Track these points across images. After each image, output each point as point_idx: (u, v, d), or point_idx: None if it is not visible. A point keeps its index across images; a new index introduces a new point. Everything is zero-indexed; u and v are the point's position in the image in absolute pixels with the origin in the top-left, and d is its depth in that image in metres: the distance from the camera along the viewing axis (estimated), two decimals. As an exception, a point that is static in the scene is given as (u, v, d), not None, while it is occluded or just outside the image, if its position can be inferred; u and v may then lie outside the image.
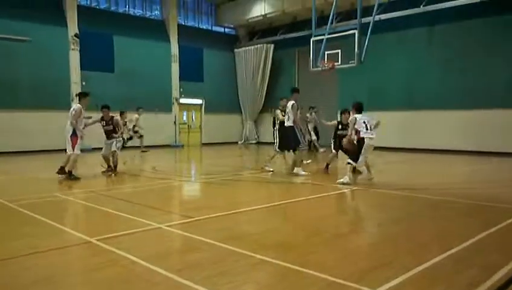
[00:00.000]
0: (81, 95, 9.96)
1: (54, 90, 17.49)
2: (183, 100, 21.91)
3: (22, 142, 16.40)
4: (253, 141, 23.49)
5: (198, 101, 22.58)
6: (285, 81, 22.49)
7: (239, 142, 23.59)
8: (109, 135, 10.52)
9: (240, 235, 4.87)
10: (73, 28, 18.02)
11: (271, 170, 10.54)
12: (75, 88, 17.99)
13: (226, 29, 24.84)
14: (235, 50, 23.97)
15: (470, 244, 4.38)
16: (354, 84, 17.87)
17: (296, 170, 9.82)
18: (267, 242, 4.58)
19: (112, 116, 10.60)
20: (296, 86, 22.19)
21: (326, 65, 14.77)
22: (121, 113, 13.75)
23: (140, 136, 16.96)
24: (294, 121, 9.78)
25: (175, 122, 21.57)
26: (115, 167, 10.20)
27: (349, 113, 9.56)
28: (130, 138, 15.94)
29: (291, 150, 10.22)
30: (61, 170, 9.32)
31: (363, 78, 17.50)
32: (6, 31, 16.06)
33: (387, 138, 13.65)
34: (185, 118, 22.48)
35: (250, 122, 23.73)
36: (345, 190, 7.97)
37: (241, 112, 24.10)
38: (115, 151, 10.21)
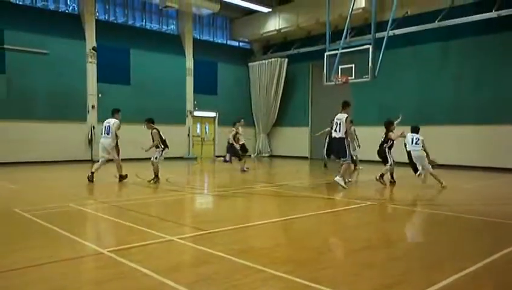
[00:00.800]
0: (117, 111, 11.42)
1: (71, 102, 17.83)
2: (197, 113, 22.10)
3: (39, 152, 16.67)
4: (266, 155, 23.49)
5: (212, 114, 22.73)
6: (299, 95, 22.55)
7: (252, 155, 23.60)
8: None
9: (251, 249, 4.85)
10: (91, 41, 18.40)
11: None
12: (92, 100, 18.33)
13: (240, 44, 25.08)
14: (249, 64, 24.16)
15: (484, 263, 4.29)
16: (368, 98, 17.84)
17: (339, 179, 9.85)
18: (278, 257, 4.55)
19: (152, 129, 11.59)
20: (310, 99, 22.28)
21: (340, 79, 14.75)
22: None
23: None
24: (345, 133, 9.97)
25: (188, 135, 21.73)
26: (156, 175, 11.19)
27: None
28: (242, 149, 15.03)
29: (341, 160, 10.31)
30: (121, 177, 11.09)
31: (376, 92, 17.48)
32: (26, 43, 16.51)
33: (401, 153, 13.52)
34: (198, 130, 22.63)
35: (263, 135, 23.77)
36: (359, 205, 7.90)
37: (255, 125, 24.17)
38: (153, 160, 11.33)
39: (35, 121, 16.75)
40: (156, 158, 11.35)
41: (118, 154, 11.24)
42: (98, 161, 11.18)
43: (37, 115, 16.83)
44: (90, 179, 10.66)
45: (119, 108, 11.71)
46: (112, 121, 11.07)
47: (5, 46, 16.20)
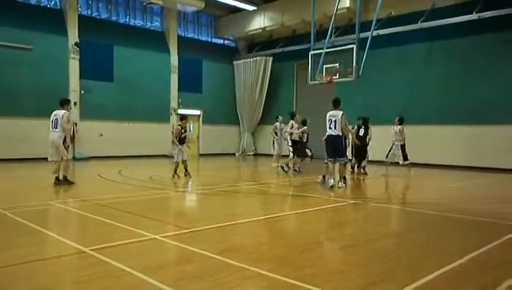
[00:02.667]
0: (67, 102, 10.56)
1: (54, 99, 17.43)
2: (181, 111, 21.93)
3: (23, 149, 16.34)
4: (251, 153, 23.49)
5: (197, 112, 22.61)
6: (284, 93, 22.60)
7: (236, 154, 23.59)
8: (182, 141, 12.08)
9: (236, 247, 4.84)
10: (73, 37, 18.11)
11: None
12: (74, 96, 18.03)
13: (225, 41, 25.01)
14: (234, 62, 24.11)
15: (467, 260, 4.37)
16: (352, 97, 17.95)
17: (342, 184, 9.98)
18: (262, 255, 4.56)
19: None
20: (295, 98, 22.35)
21: (324, 79, 14.84)
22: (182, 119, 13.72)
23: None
24: (342, 131, 10.01)
25: (172, 132, 21.54)
26: (186, 169, 12.07)
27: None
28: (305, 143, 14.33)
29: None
30: (58, 180, 9.65)
31: (361, 92, 17.63)
32: (10, 39, 16.18)
33: (384, 152, 13.68)
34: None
35: (248, 134, 23.76)
36: (343, 203, 7.95)
37: (239, 124, 24.15)
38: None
39: (19, 117, 16.41)
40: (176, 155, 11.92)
41: (67, 151, 10.04)
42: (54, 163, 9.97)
43: (20, 112, 16.49)
44: (57, 182, 9.78)
45: (69, 98, 11.23)
46: (60, 113, 9.83)
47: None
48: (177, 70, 21.69)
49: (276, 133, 15.24)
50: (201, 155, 22.36)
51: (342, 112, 9.72)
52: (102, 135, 18.55)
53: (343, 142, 9.99)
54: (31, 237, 5.14)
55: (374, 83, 17.56)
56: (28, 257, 4.26)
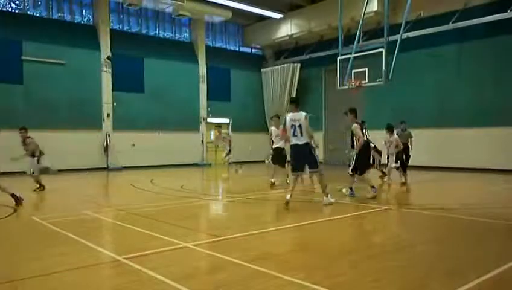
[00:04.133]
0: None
1: (87, 111, 18.07)
2: (210, 119, 22.19)
3: (57, 161, 16.86)
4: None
5: (226, 120, 22.80)
6: (312, 99, 22.48)
7: (266, 161, 23.54)
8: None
9: (267, 255, 4.82)
10: (106, 51, 18.67)
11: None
12: (107, 108, 18.57)
13: (252, 50, 25.18)
14: (262, 70, 24.22)
15: (508, 268, 4.18)
16: (382, 102, 17.71)
17: (327, 200, 8.35)
18: (293, 263, 4.52)
19: None
20: (323, 104, 22.20)
21: (353, 84, 14.70)
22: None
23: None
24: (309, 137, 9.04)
25: (202, 141, 21.82)
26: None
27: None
28: None
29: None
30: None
31: (390, 96, 17.34)
32: (46, 54, 16.87)
33: (417, 156, 13.36)
34: (212, 137, 22.69)
35: (277, 141, 23.70)
36: (374, 210, 7.81)
37: (268, 131, 24.14)
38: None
39: (53, 130, 16.98)
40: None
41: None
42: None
43: (55, 125, 17.07)
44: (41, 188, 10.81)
45: None
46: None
47: (23, 58, 16.56)
48: (205, 80, 21.99)
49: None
50: (230, 163, 22.44)
51: (304, 114, 8.20)
52: (134, 145, 18.94)
53: (312, 150, 8.51)
54: (67, 245, 5.29)
55: (403, 86, 17.23)
56: (64, 265, 4.38)
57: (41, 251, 5.08)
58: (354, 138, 9.24)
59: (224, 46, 24.06)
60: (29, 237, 5.94)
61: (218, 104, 22.34)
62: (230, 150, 15.26)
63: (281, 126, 8.50)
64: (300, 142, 7.99)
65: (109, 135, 18.46)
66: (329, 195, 8.24)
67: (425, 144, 15.84)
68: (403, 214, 7.67)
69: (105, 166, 18.30)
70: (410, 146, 12.69)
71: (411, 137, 12.80)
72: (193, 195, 10.40)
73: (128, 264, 4.38)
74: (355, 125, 9.04)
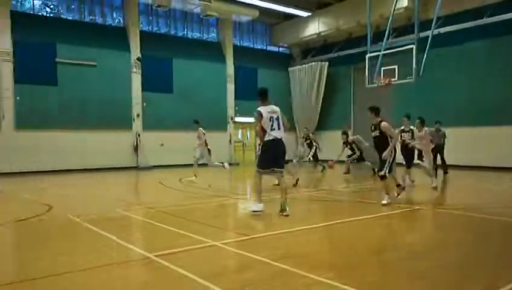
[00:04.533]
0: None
1: (117, 111, 18.48)
2: (238, 119, 22.30)
3: (88, 160, 17.36)
4: (307, 160, 23.27)
5: (253, 120, 22.81)
6: (341, 98, 22.27)
7: (294, 161, 23.47)
8: None
9: (295, 254, 4.80)
10: (135, 52, 19.05)
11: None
12: (137, 109, 18.95)
13: (280, 49, 25.13)
14: (289, 69, 24.14)
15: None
16: (411, 99, 17.32)
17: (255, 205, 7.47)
18: (322, 262, 4.49)
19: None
20: (352, 102, 21.94)
21: (382, 81, 14.45)
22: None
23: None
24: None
25: (230, 141, 21.95)
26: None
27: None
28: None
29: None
30: None
31: (419, 93, 16.96)
32: (76, 56, 17.35)
33: (448, 155, 13.03)
34: (239, 136, 22.82)
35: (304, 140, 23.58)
36: (406, 210, 7.66)
37: (296, 130, 24.07)
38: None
39: (85, 130, 17.47)
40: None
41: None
42: None
43: (86, 125, 17.55)
44: None
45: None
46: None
47: (58, 60, 17.09)
48: (233, 80, 22.11)
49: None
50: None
51: (278, 109, 7.58)
52: (162, 144, 19.22)
53: None
54: (98, 243, 5.43)
55: (433, 83, 16.81)
56: (94, 262, 4.50)
57: (74, 248, 5.25)
58: (388, 139, 8.02)
59: (252, 46, 24.12)
60: (63, 234, 6.13)
61: (245, 103, 22.39)
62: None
63: (256, 119, 7.36)
64: (280, 137, 7.27)
65: (139, 135, 18.82)
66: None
67: (457, 142, 15.40)
68: (435, 214, 7.49)
69: (135, 165, 18.67)
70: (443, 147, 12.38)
71: (445, 137, 12.47)
72: (221, 194, 10.48)
73: (157, 261, 4.46)
74: (385, 124, 7.99)
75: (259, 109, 7.32)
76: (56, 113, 17.01)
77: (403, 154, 10.46)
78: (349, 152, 14.85)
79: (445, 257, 4.71)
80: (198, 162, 13.30)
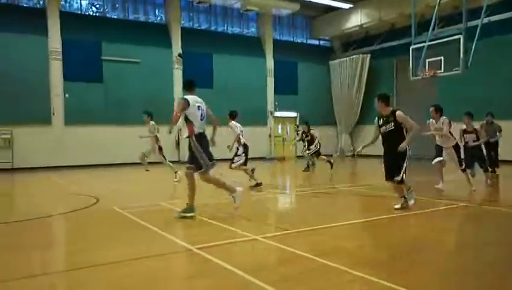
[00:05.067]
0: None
1: (160, 107, 18.87)
2: (278, 113, 22.27)
3: (132, 154, 17.85)
4: (349, 154, 22.95)
5: (293, 114, 22.75)
6: (383, 91, 21.70)
7: (334, 155, 23.20)
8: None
9: (335, 249, 4.76)
10: (177, 48, 19.40)
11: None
12: (179, 104, 19.32)
13: (320, 42, 24.83)
14: (330, 62, 23.81)
15: None
16: (456, 92, 16.64)
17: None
18: (362, 258, 4.42)
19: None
20: (395, 96, 21.37)
21: (427, 74, 13.96)
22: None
23: None
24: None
25: (270, 135, 21.97)
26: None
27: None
28: None
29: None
30: None
31: (465, 85, 16.24)
32: (122, 54, 17.91)
33: (502, 151, 12.41)
34: (279, 130, 22.79)
35: (345, 134, 23.27)
36: (451, 206, 7.40)
37: (336, 124, 23.75)
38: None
39: (129, 125, 18.00)
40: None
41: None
42: None
43: (130, 120, 18.07)
44: None
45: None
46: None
47: (103, 58, 17.71)
48: (273, 74, 22.08)
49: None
50: (298, 157, 22.39)
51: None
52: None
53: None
54: (142, 234, 5.60)
55: (482, 75, 16.07)
56: (139, 253, 4.64)
57: (120, 238, 5.44)
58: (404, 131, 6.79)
59: (291, 39, 23.97)
60: (110, 226, 6.37)
61: (285, 97, 22.34)
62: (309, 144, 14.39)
63: (178, 107, 6.70)
64: (203, 131, 6.69)
65: (181, 130, 19.16)
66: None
67: (510, 137, 14.66)
68: (482, 212, 7.19)
69: (178, 159, 19.06)
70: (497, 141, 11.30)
71: (500, 131, 11.38)
72: (262, 188, 10.51)
73: (200, 254, 4.55)
74: (400, 113, 6.72)
75: (183, 96, 6.77)
76: (102, 109, 17.64)
77: (465, 157, 9.21)
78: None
79: (492, 255, 4.51)
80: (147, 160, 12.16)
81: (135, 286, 3.71)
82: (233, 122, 10.68)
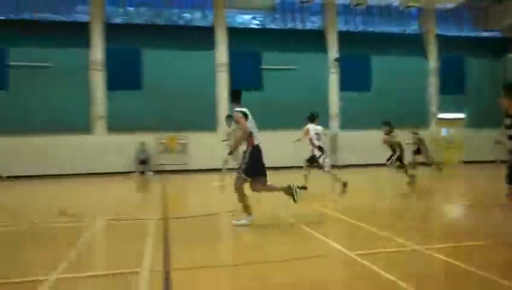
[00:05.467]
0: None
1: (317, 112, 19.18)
2: (442, 115, 20.60)
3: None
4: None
5: (460, 116, 20.72)
6: None
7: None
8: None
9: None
10: (333, 53, 19.56)
11: None
12: (334, 109, 19.40)
13: (492, 34, 22.11)
14: (508, 56, 20.97)
15: None
16: None
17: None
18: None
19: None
20: None
21: None
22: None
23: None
24: None
25: (433, 139, 20.38)
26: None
27: None
28: None
29: None
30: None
31: None
32: (280, 62, 18.89)
33: None
34: (443, 133, 21.05)
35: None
36: None
37: (514, 127, 20.78)
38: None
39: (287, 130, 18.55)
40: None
41: None
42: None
43: (290, 125, 18.47)
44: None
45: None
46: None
47: (262, 67, 18.79)
48: (436, 73, 20.55)
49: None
50: (465, 162, 20.21)
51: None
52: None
53: None
54: (298, 236, 5.80)
55: None
56: (296, 254, 4.84)
57: (279, 241, 5.69)
58: None
59: (457, 34, 21.87)
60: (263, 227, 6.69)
61: (450, 98, 20.50)
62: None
63: (241, 119, 6.64)
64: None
65: (336, 135, 19.12)
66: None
67: None
68: None
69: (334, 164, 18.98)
70: None
71: None
72: (416, 196, 9.82)
73: (356, 259, 4.48)
74: None
75: (241, 109, 6.70)
76: (262, 115, 18.56)
77: None
78: None
79: None
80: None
81: (294, 283, 3.86)
82: (310, 125, 10.51)
